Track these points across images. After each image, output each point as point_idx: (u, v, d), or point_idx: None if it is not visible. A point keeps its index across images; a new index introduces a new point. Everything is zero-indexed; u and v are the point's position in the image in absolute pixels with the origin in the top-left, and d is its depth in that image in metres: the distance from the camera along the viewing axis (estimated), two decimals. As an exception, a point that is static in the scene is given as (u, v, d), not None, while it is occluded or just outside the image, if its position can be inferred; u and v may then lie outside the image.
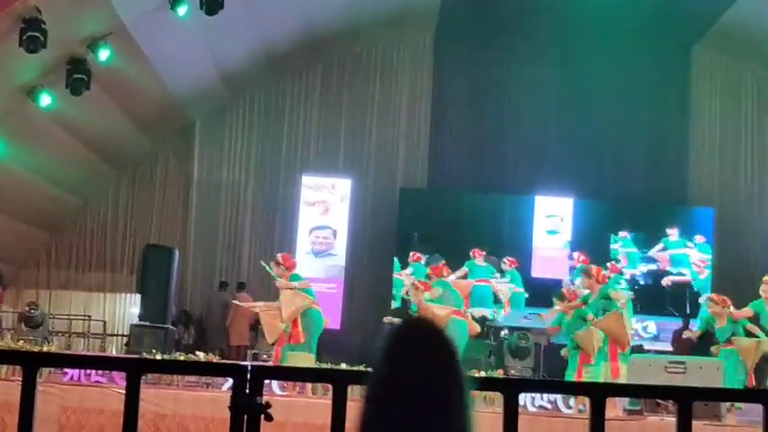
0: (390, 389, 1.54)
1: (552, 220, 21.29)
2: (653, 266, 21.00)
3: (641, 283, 20.93)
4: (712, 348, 13.88)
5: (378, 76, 22.52)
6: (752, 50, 21.58)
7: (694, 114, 22.35)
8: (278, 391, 12.57)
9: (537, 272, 20.67)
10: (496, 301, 19.35)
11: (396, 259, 20.49)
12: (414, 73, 22.51)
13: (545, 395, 13.43)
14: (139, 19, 16.54)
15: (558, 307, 13.95)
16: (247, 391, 2.84)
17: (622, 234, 21.14)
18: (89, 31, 16.14)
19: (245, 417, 2.79)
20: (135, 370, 2.69)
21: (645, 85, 21.93)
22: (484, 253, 19.34)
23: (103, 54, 16.32)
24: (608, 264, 17.88)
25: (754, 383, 13.00)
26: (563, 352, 14.02)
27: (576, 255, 18.44)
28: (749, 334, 13.40)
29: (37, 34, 14.28)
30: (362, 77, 22.47)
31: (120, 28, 16.26)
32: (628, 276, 20.55)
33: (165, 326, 17.90)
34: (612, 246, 20.96)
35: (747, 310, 13.45)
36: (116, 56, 16.62)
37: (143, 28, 16.79)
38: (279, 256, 14.24)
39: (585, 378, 12.37)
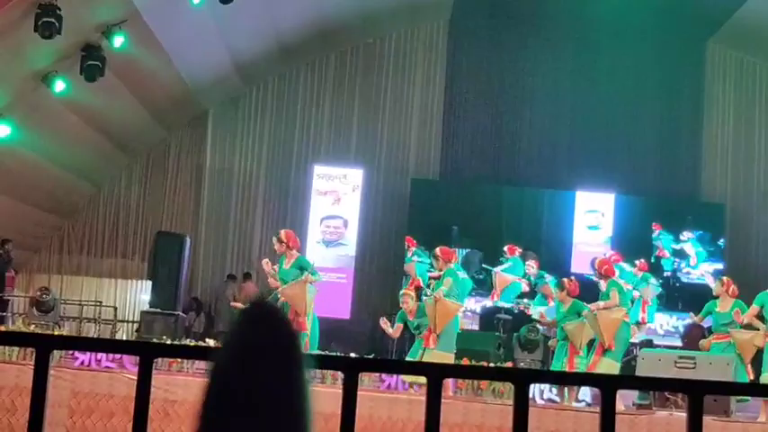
0: (227, 374, 1.55)
1: (594, 215, 21.22)
2: (719, 265, 20.73)
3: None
4: (702, 342, 13.77)
5: (390, 67, 22.53)
6: (766, 46, 21.51)
7: (708, 109, 22.29)
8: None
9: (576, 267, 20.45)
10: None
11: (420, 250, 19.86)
12: (427, 64, 22.51)
13: (553, 389, 13.44)
14: (154, 6, 16.57)
15: (556, 295, 13.90)
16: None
17: (687, 235, 21.00)
18: (104, 17, 16.16)
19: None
20: (147, 354, 2.69)
21: (658, 80, 21.90)
22: (519, 249, 18.82)
23: (118, 41, 16.34)
24: (636, 262, 17.70)
25: (752, 377, 12.93)
26: (550, 342, 14.03)
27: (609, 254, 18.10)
28: (747, 326, 13.30)
29: (52, 20, 14.30)
30: (375, 68, 22.48)
31: (134, 15, 16.28)
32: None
33: (176, 313, 17.95)
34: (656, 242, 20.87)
35: (754, 308, 13.32)
36: (130, 43, 16.63)
37: (157, 15, 16.81)
38: (282, 232, 13.69)
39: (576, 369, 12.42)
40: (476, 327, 18.61)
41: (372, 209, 21.50)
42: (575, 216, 21.22)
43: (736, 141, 22.25)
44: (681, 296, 20.53)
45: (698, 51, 22.29)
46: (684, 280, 20.90)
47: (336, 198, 21.26)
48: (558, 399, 13.64)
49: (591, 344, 13.11)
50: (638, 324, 16.36)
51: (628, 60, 21.63)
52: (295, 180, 22.03)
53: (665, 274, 20.75)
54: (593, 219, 21.32)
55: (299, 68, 22.44)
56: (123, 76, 17.98)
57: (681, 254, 21.06)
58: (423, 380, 12.26)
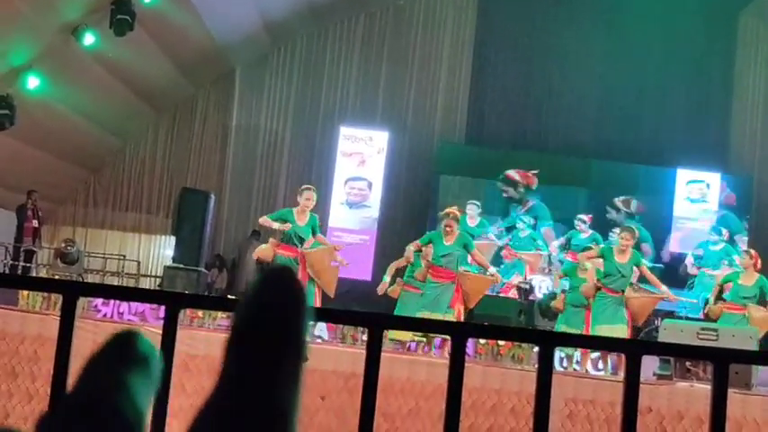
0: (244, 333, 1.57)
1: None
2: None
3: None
4: (713, 308, 13.60)
5: (419, 29, 22.43)
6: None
7: (738, 83, 22.09)
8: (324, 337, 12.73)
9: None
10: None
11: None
12: (456, 26, 22.38)
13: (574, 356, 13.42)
14: (185, -39, 16.55)
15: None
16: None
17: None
18: (135, -29, 16.17)
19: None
20: (174, 303, 2.69)
21: (689, 53, 21.68)
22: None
23: (148, -5, 16.36)
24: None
25: None
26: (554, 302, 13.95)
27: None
28: (762, 303, 13.20)
29: (83, -28, 14.31)
30: (404, 29, 22.38)
31: (165, -30, 16.28)
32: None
33: (199, 269, 18.01)
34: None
35: None
36: (161, -2, 16.65)
37: (188, -29, 16.79)
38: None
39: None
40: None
41: (397, 172, 21.47)
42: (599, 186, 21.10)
43: (765, 115, 22.04)
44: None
45: (730, 24, 22.05)
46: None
47: (361, 160, 21.25)
48: (577, 366, 13.63)
49: None
50: None
51: (657, 33, 21.43)
52: (320, 140, 22.04)
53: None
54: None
55: (328, 28, 22.38)
56: (152, 31, 17.97)
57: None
58: (405, 337, 12.24)
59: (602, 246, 14.10)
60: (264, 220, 12.76)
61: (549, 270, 18.13)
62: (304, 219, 12.42)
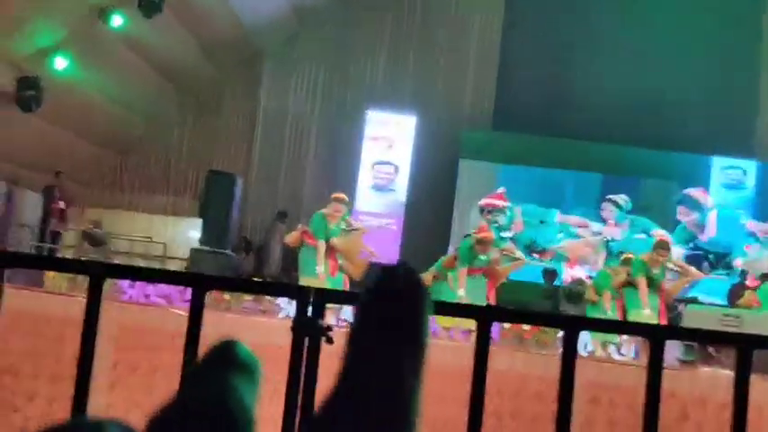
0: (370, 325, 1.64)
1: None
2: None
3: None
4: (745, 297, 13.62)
5: (449, 14, 22.36)
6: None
7: (764, 75, 21.91)
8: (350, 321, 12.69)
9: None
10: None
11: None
12: (485, 12, 22.27)
13: (586, 346, 13.41)
14: (213, -56, 16.56)
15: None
16: (309, 314, 2.86)
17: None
18: (163, -47, 16.20)
19: (307, 338, 2.81)
20: (201, 285, 2.71)
21: (714, 47, 21.55)
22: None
23: (177, -23, 16.38)
24: None
25: None
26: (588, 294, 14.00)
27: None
28: None
29: (112, -46, 14.35)
30: (434, 14, 22.31)
31: (193, -48, 16.30)
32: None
33: (225, 251, 18.07)
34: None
35: None
36: (189, -20, 16.68)
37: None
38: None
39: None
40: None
41: (424, 156, 21.43)
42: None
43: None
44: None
45: (755, 20, 21.90)
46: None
47: (388, 144, 21.23)
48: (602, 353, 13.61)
49: None
50: None
51: (682, 25, 21.38)
52: (348, 124, 22.01)
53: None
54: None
55: (358, 12, 22.31)
56: (181, 13, 18.00)
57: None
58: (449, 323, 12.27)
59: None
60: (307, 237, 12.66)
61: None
62: (333, 223, 12.52)
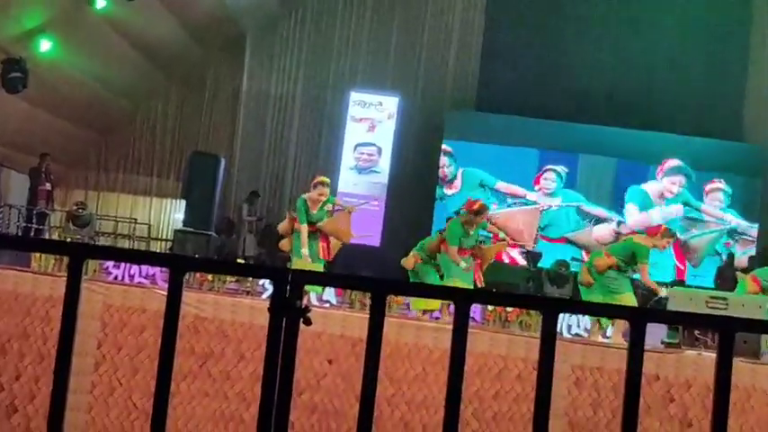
0: None
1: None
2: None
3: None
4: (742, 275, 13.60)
5: (431, -6, 22.36)
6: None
7: (754, 58, 21.93)
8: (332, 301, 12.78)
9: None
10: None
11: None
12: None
13: (581, 323, 13.44)
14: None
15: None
16: (287, 295, 2.86)
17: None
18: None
19: (285, 319, 2.81)
20: (179, 266, 2.71)
21: (704, 27, 21.56)
22: None
23: (159, -41, 16.31)
24: None
25: None
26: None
27: None
28: None
29: (94, -64, 14.28)
30: (416, -6, 22.31)
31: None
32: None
33: (209, 232, 18.05)
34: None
35: None
36: (171, -39, 16.60)
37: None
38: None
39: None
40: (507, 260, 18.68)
41: (406, 138, 21.43)
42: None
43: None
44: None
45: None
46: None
47: (371, 125, 21.23)
48: (585, 335, 13.64)
49: None
50: None
51: (670, 3, 21.39)
52: (330, 105, 22.01)
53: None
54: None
55: (339, -7, 22.33)
56: (163, -5, 17.96)
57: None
58: (434, 305, 12.25)
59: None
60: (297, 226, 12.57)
61: None
62: (316, 207, 12.40)
